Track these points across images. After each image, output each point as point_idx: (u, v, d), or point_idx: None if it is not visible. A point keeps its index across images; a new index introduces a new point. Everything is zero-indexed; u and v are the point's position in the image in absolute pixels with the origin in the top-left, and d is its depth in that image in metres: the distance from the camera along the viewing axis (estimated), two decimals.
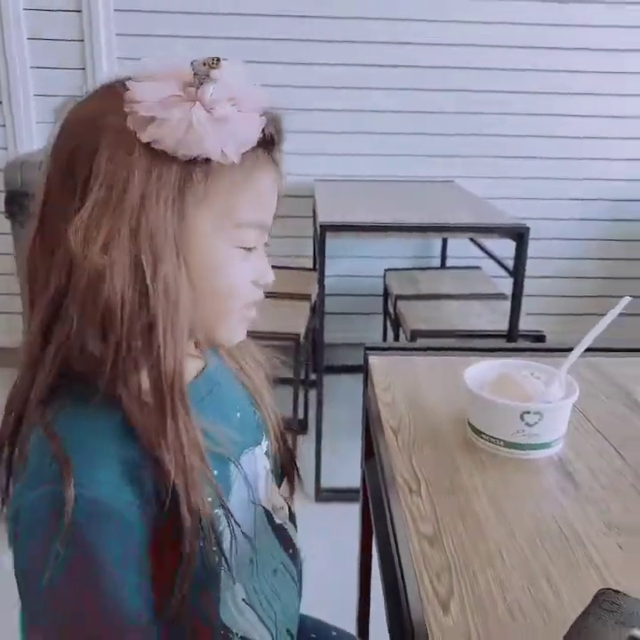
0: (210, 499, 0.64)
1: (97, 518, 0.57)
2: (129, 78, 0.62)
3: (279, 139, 0.68)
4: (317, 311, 2.19)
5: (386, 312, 2.86)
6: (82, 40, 2.65)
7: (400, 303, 2.47)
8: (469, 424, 0.84)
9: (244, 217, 0.65)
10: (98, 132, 0.60)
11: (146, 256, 0.60)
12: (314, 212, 2.57)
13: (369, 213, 2.20)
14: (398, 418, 0.91)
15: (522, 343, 1.86)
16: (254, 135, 0.63)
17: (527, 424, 0.78)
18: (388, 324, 2.83)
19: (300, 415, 2.48)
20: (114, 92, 0.62)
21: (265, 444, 0.80)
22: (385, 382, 1.02)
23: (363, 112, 2.77)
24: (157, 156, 0.60)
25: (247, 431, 0.77)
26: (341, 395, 2.74)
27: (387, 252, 2.90)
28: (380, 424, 0.92)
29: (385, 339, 2.87)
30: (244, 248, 0.66)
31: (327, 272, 2.76)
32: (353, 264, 2.92)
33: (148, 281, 0.60)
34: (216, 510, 0.66)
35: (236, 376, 0.80)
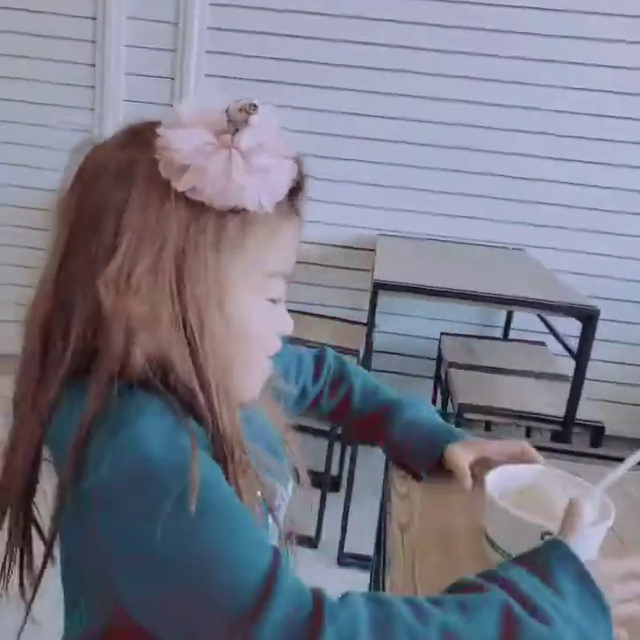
0: None
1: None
2: (156, 123, 0.60)
3: (305, 185, 0.65)
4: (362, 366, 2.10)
5: (437, 377, 2.74)
6: (174, 50, 2.73)
7: (452, 371, 2.35)
8: (485, 534, 0.73)
9: (275, 268, 0.64)
10: (127, 181, 0.58)
11: (191, 312, 0.58)
12: (373, 266, 2.50)
13: (429, 274, 2.11)
14: (409, 513, 0.81)
15: (567, 445, 1.67)
16: (288, 183, 0.61)
17: None
18: (439, 391, 2.71)
19: (334, 471, 2.35)
20: (143, 139, 0.59)
21: (289, 491, 0.76)
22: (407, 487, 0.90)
23: (434, 170, 2.71)
24: (193, 205, 0.58)
25: (281, 477, 0.74)
26: (379, 453, 2.62)
27: (446, 314, 2.78)
28: (389, 517, 0.81)
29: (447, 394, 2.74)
30: (271, 299, 0.65)
31: (381, 328, 2.70)
32: (408, 323, 2.81)
33: (197, 337, 0.58)
34: None
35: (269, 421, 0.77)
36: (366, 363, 2.05)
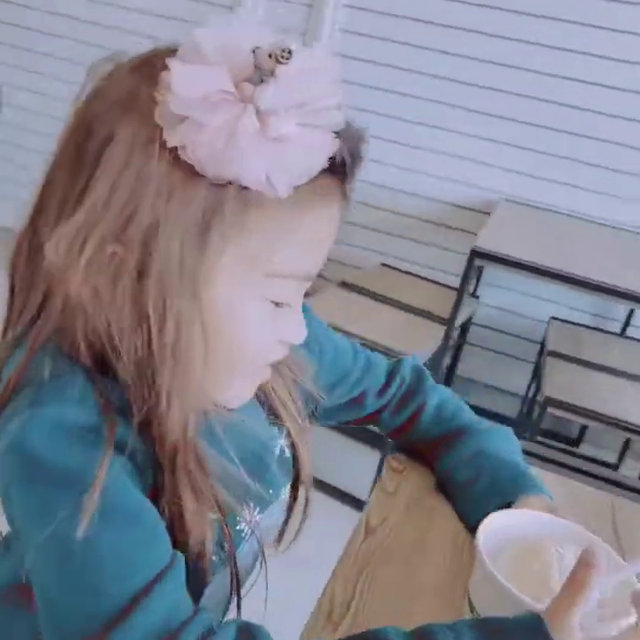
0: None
1: None
2: (175, 51, 0.46)
3: (353, 167, 0.52)
4: (449, 340, 1.95)
5: (538, 364, 2.52)
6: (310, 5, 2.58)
7: (550, 360, 2.14)
8: (468, 592, 0.59)
9: (283, 266, 0.51)
10: (119, 115, 0.47)
11: (152, 299, 0.47)
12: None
13: (543, 251, 1.90)
14: (385, 514, 0.69)
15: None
16: (319, 163, 0.47)
17: None
18: (537, 382, 2.50)
19: None
20: (153, 68, 0.47)
21: (284, 492, 0.68)
22: (402, 464, 0.79)
23: (579, 137, 2.42)
24: (183, 168, 0.46)
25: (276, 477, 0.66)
26: None
27: (559, 296, 2.52)
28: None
29: (527, 394, 2.54)
30: (276, 303, 0.53)
31: (483, 301, 2.51)
32: (516, 299, 2.58)
33: (155, 332, 0.48)
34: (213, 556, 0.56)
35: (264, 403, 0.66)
36: (448, 335, 1.90)
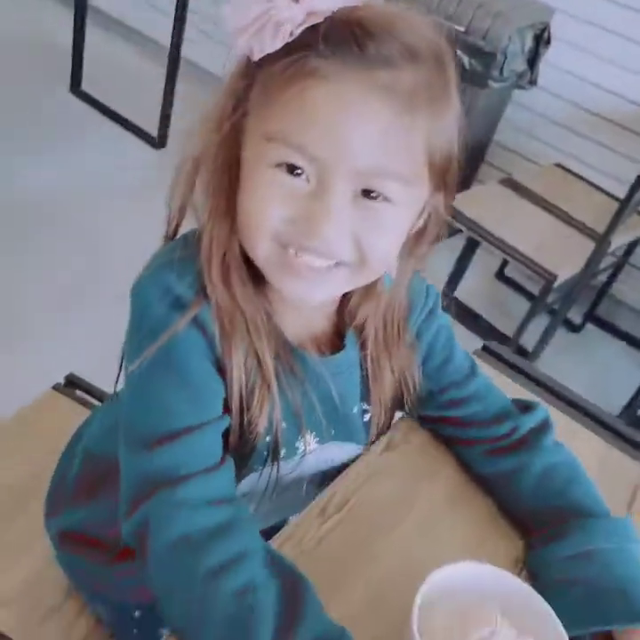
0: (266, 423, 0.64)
1: None
2: None
3: (340, 49, 0.52)
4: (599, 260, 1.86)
5: None
6: None
7: None
8: None
9: (274, 130, 0.54)
10: None
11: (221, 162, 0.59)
12: None
13: None
14: (340, 505, 0.71)
15: None
16: (288, 25, 0.51)
17: None
18: None
19: (529, 345, 2.23)
20: None
21: (356, 447, 0.76)
22: (400, 437, 0.80)
23: None
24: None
25: (346, 429, 0.73)
26: (590, 352, 2.43)
27: None
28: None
29: None
30: (289, 173, 0.55)
31: None
32: None
33: (211, 192, 0.60)
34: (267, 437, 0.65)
35: (368, 372, 0.72)
36: (597, 255, 1.81)
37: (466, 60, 2.30)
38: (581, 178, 2.32)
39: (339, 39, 0.52)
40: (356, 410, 0.73)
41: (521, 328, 2.06)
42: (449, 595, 0.56)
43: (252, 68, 0.55)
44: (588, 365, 2.40)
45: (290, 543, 0.66)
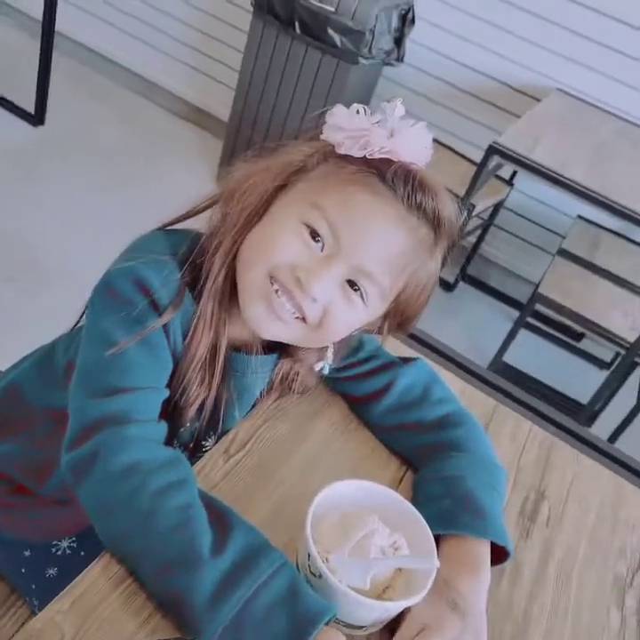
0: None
1: None
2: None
3: (399, 184, 0.69)
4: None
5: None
6: None
7: (558, 260, 2.24)
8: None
9: (322, 202, 0.69)
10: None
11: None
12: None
13: (575, 156, 1.92)
14: (241, 444, 0.81)
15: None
16: (375, 147, 0.69)
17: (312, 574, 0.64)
18: None
19: None
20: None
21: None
22: None
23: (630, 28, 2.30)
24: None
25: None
26: (463, 309, 2.65)
27: None
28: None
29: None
30: (311, 235, 0.69)
31: (518, 187, 2.56)
32: (548, 191, 2.61)
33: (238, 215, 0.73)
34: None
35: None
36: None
37: (337, 38, 2.42)
38: (446, 146, 2.51)
39: (400, 177, 0.69)
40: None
41: None
42: (336, 507, 0.68)
43: (329, 152, 0.71)
44: (462, 321, 2.62)
45: (198, 478, 0.74)
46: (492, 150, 1.79)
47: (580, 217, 2.47)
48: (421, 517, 0.70)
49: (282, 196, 0.72)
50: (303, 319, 0.70)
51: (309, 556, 0.62)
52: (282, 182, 0.72)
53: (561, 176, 1.81)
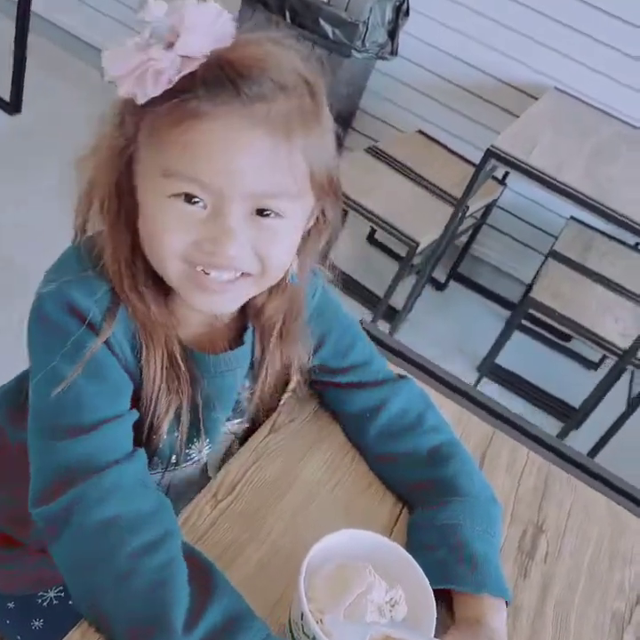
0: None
1: None
2: None
3: (218, 88, 0.58)
4: (456, 226, 2.02)
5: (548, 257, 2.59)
6: None
7: (551, 262, 2.22)
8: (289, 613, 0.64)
9: (168, 164, 0.60)
10: None
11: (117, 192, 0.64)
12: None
13: (572, 159, 1.90)
14: (229, 488, 0.77)
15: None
16: (167, 73, 0.57)
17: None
18: None
19: (399, 304, 2.38)
20: None
21: (236, 424, 0.82)
22: (283, 418, 0.87)
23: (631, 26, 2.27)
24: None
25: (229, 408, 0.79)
26: (453, 308, 2.64)
27: None
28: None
29: (531, 285, 2.63)
30: (187, 202, 0.61)
31: (511, 187, 2.53)
32: (541, 191, 2.60)
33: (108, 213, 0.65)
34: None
35: (260, 359, 0.79)
36: (454, 222, 1.97)
37: (330, 30, 2.37)
38: (441, 144, 2.48)
39: (215, 82, 0.58)
40: (239, 395, 0.80)
41: (390, 290, 2.21)
42: (330, 559, 0.64)
43: (138, 108, 0.60)
44: (453, 320, 2.60)
45: (184, 528, 0.70)
46: (490, 154, 1.76)
47: (572, 218, 2.45)
48: (417, 566, 0.67)
49: (137, 182, 0.64)
50: (244, 274, 0.65)
51: (303, 615, 0.59)
52: (120, 169, 0.63)
53: (558, 181, 1.78)
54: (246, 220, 0.62)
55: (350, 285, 2.41)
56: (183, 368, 0.69)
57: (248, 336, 0.76)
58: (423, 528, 0.77)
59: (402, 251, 2.20)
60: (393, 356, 1.05)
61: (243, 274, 0.65)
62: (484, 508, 0.78)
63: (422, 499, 0.79)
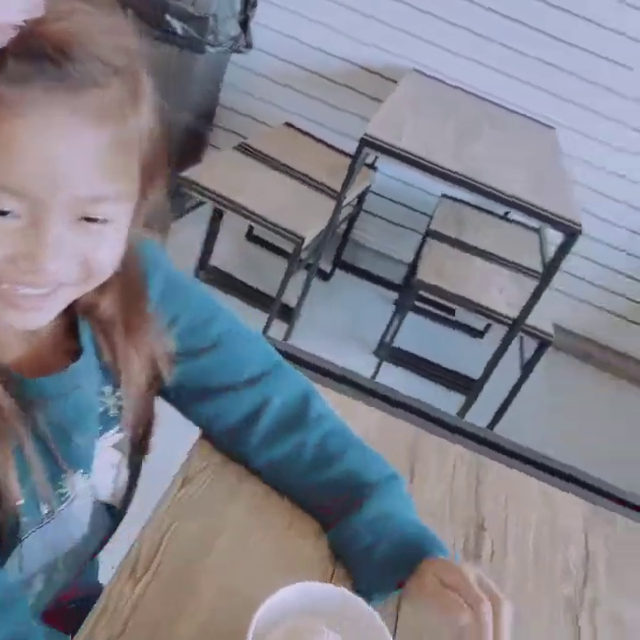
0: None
1: None
2: None
3: (28, 79, 0.46)
4: (337, 220, 2.00)
5: (426, 236, 2.64)
6: None
7: (430, 241, 2.26)
8: None
9: None
10: None
11: None
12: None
13: (434, 139, 1.93)
14: (148, 562, 0.68)
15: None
16: None
17: None
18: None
19: (293, 302, 2.34)
20: None
21: (113, 435, 0.71)
22: (194, 467, 0.78)
23: (501, 16, 2.36)
24: None
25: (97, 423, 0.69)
26: (341, 296, 2.64)
27: None
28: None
29: (413, 263, 2.67)
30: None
31: (381, 170, 2.55)
32: (411, 173, 2.64)
33: None
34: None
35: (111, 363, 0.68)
36: (336, 216, 1.96)
37: (178, 25, 2.27)
38: (308, 134, 2.45)
39: (32, 61, 0.46)
40: (102, 408, 0.69)
41: (282, 288, 2.16)
42: (278, 623, 0.59)
43: None
44: (342, 308, 2.60)
45: (105, 616, 0.62)
46: (365, 142, 1.75)
47: (444, 195, 2.51)
48: (373, 611, 0.62)
49: None
50: (63, 284, 0.55)
51: None
52: None
53: (432, 163, 1.80)
54: (70, 228, 0.52)
55: (237, 287, 2.34)
56: (8, 403, 0.57)
57: (86, 341, 0.65)
58: (353, 537, 0.73)
59: (286, 246, 2.16)
60: (294, 364, 0.99)
61: (61, 284, 0.55)
62: (392, 490, 0.76)
63: (335, 511, 0.75)
